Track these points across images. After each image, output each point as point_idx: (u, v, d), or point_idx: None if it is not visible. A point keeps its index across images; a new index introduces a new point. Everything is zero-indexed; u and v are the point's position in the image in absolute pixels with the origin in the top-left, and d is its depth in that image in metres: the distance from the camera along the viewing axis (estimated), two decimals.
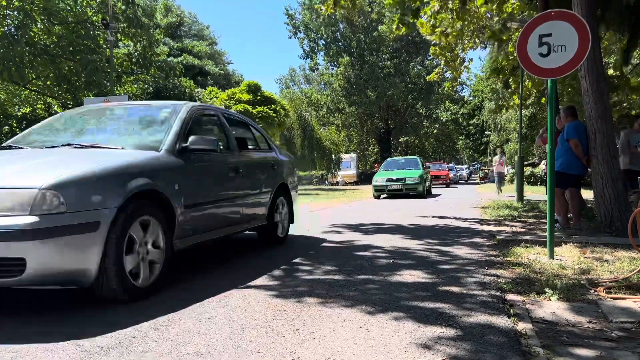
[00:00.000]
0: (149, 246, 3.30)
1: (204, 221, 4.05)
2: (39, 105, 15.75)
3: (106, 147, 3.67)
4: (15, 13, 13.94)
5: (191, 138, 3.87)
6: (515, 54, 7.26)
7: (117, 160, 3.25)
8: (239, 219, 4.74)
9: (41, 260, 2.64)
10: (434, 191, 21.07)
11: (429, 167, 20.68)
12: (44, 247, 2.62)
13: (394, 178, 16.41)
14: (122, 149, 3.68)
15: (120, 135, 4.01)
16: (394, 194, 16.73)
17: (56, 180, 2.75)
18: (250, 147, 5.45)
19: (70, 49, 14.50)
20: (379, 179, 16.71)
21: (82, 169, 2.96)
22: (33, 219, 2.61)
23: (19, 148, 3.84)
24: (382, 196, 17.05)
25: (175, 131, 3.90)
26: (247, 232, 5.17)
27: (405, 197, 16.55)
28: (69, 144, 3.77)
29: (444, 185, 27.66)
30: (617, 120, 11.10)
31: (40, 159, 3.27)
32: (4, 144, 4.09)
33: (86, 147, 3.69)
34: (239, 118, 5.66)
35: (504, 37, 11.66)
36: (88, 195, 2.86)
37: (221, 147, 4.42)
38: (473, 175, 50.66)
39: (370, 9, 39.19)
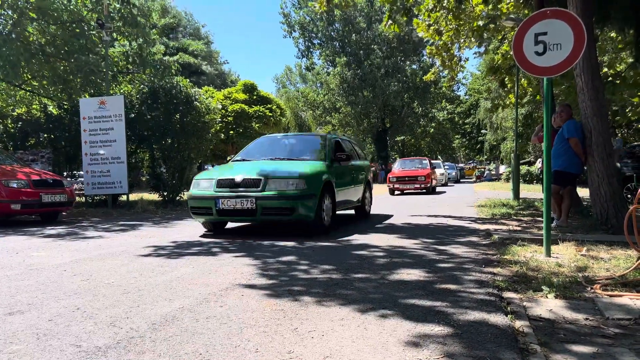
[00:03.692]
0: None
1: None
2: (34, 106, 15.66)
3: None
4: (9, 12, 13.87)
5: None
6: (511, 53, 7.27)
7: None
8: None
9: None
10: (388, 206, 12.15)
11: (353, 157, 8.76)
12: None
13: (238, 180, 6.42)
14: None
15: None
16: (237, 220, 7.15)
17: None
18: None
19: (66, 48, 14.42)
20: (203, 183, 6.78)
21: None
22: None
23: None
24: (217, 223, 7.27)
25: None
26: None
27: (266, 231, 7.22)
28: None
29: (424, 191, 19.10)
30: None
31: None
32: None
33: None
34: None
35: (494, 35, 11.73)
36: None
37: None
38: (468, 177, 49.69)
39: (367, 5, 39.16)
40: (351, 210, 9.36)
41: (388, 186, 19.10)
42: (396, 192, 19.21)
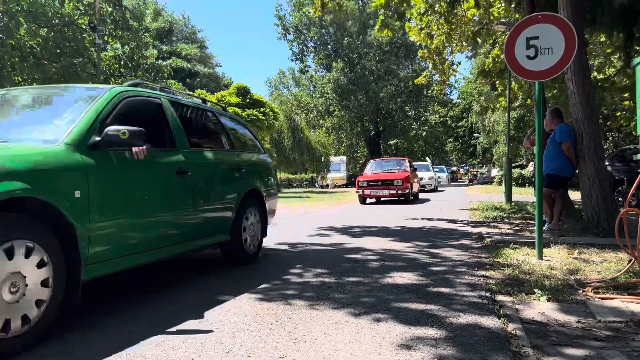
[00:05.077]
0: None
1: None
2: None
3: None
4: (0, 15, 13.81)
5: None
6: (502, 57, 7.33)
7: None
8: None
9: None
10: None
11: (198, 141, 4.28)
12: None
13: None
14: None
15: None
16: None
17: None
18: None
19: (57, 51, 14.37)
20: None
21: None
22: None
23: None
24: None
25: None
26: None
27: None
28: None
29: (403, 199, 14.85)
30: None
31: None
32: None
33: None
34: None
35: (486, 40, 11.82)
36: None
37: None
38: (461, 180, 49.65)
39: (360, 10, 39.33)
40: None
41: (357, 192, 14.97)
42: (368, 201, 15.24)
